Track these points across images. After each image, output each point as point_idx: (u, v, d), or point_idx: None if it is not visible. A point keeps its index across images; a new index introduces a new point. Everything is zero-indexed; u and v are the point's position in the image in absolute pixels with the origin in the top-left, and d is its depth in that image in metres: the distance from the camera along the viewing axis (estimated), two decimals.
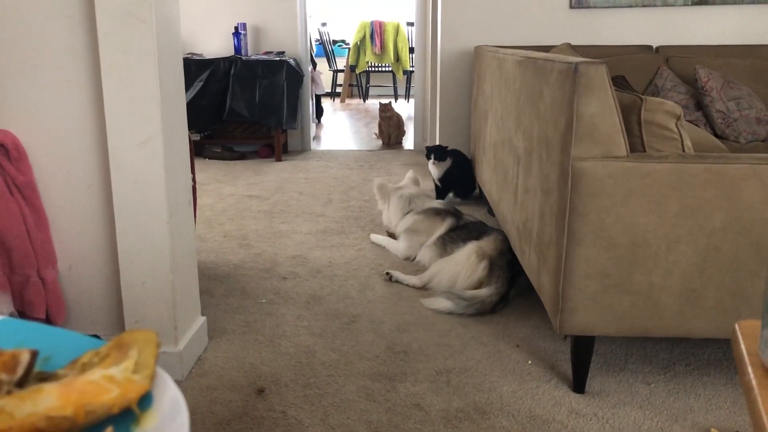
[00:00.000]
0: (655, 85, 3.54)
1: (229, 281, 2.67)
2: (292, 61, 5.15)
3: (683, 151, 1.80)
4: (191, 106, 4.69)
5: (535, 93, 2.07)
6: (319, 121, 7.31)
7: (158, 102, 1.76)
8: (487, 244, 2.55)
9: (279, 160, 5.17)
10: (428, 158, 3.86)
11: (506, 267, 2.49)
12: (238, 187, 4.31)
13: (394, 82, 9.37)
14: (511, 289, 2.43)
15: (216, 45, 5.38)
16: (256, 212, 3.69)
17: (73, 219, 1.90)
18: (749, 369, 0.68)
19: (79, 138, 1.84)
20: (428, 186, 3.90)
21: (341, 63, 9.46)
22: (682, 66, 3.64)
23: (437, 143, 4.28)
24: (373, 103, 8.89)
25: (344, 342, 2.15)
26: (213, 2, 5.32)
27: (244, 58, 5.03)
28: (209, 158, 5.21)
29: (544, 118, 1.93)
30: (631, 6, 4.03)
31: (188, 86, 4.86)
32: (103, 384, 0.56)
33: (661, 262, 1.69)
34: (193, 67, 4.93)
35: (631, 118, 1.80)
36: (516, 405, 1.78)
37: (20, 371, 0.58)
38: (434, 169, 3.86)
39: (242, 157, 5.28)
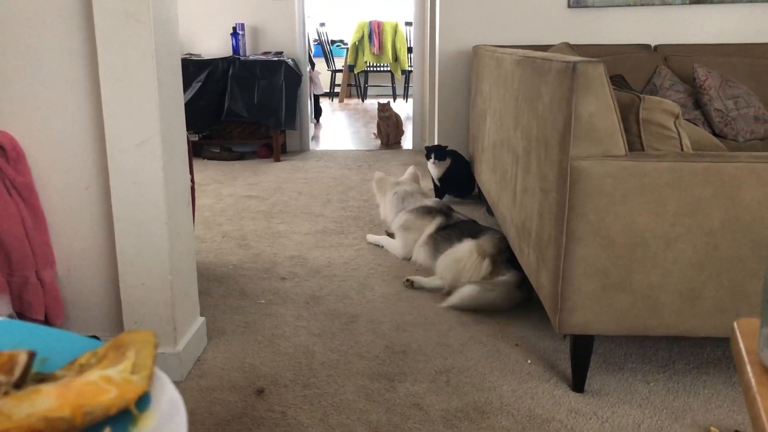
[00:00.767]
0: (653, 84, 3.54)
1: (228, 282, 2.67)
2: (290, 62, 5.15)
3: (682, 149, 1.80)
4: (189, 106, 4.69)
5: (534, 92, 2.07)
6: (318, 121, 7.31)
7: (156, 103, 1.76)
8: (486, 242, 2.55)
9: (278, 160, 5.17)
10: (428, 158, 3.86)
11: (507, 264, 2.49)
12: (236, 187, 4.31)
13: (393, 82, 9.37)
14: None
15: (214, 45, 5.38)
16: (255, 213, 3.69)
17: (71, 220, 1.90)
18: (748, 367, 0.68)
19: (77, 139, 1.84)
20: (427, 185, 3.89)
21: (339, 63, 9.46)
22: (680, 65, 3.64)
23: (436, 143, 4.28)
24: (372, 103, 8.90)
25: (343, 342, 2.15)
26: (211, 3, 5.31)
27: (242, 58, 5.03)
28: (208, 159, 5.21)
29: (542, 117, 1.93)
30: (629, 5, 4.03)
31: (186, 87, 4.86)
32: (101, 385, 0.56)
33: (660, 261, 1.69)
34: (192, 67, 4.92)
35: (629, 117, 1.80)
36: (515, 404, 1.78)
37: (18, 372, 0.57)
38: (434, 169, 3.86)
39: (241, 157, 5.28)
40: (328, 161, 5.18)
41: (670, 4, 4.02)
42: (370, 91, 9.76)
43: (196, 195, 2.63)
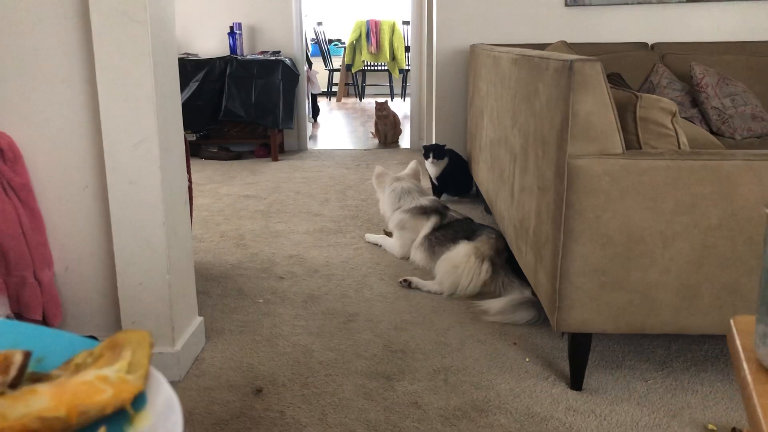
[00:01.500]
0: (650, 83, 3.54)
1: (226, 281, 2.67)
2: (287, 61, 5.15)
3: (679, 147, 1.80)
4: (187, 106, 4.70)
5: (531, 91, 2.07)
6: (316, 120, 7.31)
7: (153, 102, 1.76)
8: (483, 244, 2.54)
9: (275, 159, 5.17)
10: (426, 157, 3.86)
11: (506, 265, 2.49)
12: (234, 187, 4.30)
13: (390, 81, 9.37)
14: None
15: (211, 45, 5.37)
16: (253, 212, 3.68)
17: (69, 220, 1.90)
18: (745, 365, 0.68)
19: (74, 139, 1.84)
20: (425, 183, 3.89)
21: (337, 62, 9.46)
22: (677, 63, 3.64)
23: (434, 142, 4.28)
24: (369, 102, 8.90)
25: (342, 341, 2.15)
26: (208, 2, 5.31)
27: (239, 57, 5.02)
28: (205, 158, 5.21)
29: (539, 115, 1.93)
30: (626, 3, 4.03)
31: (184, 86, 4.85)
32: (97, 384, 0.56)
33: (657, 259, 1.69)
34: (189, 67, 4.92)
35: (626, 116, 1.80)
36: (514, 402, 1.78)
37: (13, 372, 0.57)
38: (432, 168, 3.86)
39: (238, 157, 5.28)
40: (325, 160, 5.18)
41: (667, 3, 4.02)
42: (368, 90, 9.76)
43: (193, 195, 2.63)
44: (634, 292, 1.72)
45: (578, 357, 1.84)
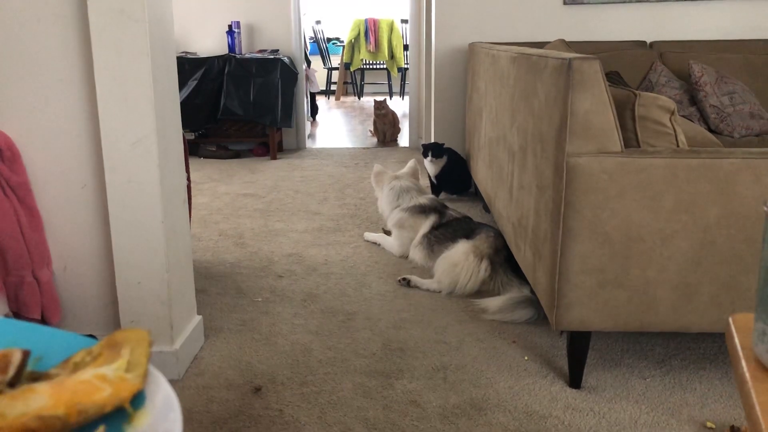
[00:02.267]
0: (649, 81, 3.54)
1: (225, 280, 2.67)
2: (286, 59, 5.14)
3: (677, 146, 1.80)
4: (185, 105, 4.69)
5: (530, 89, 2.07)
6: (314, 119, 7.30)
7: (152, 101, 1.76)
8: (482, 242, 2.54)
9: (274, 158, 5.17)
10: (425, 156, 3.85)
11: (505, 263, 2.49)
12: (233, 185, 4.30)
13: (389, 80, 9.36)
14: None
15: (210, 43, 5.36)
16: (252, 211, 3.68)
17: (67, 219, 1.90)
18: (743, 362, 0.68)
19: (72, 138, 1.84)
20: (424, 182, 3.89)
21: (336, 61, 9.46)
22: (675, 61, 3.64)
23: (432, 140, 4.28)
24: (368, 101, 8.89)
25: (340, 340, 2.15)
26: (207, 1, 5.30)
27: (238, 56, 5.02)
28: (204, 157, 5.20)
29: (538, 114, 1.93)
30: (624, 2, 4.03)
31: (182, 85, 4.85)
32: (96, 383, 0.56)
33: (656, 257, 1.69)
34: (187, 65, 4.91)
35: (625, 114, 1.80)
36: (512, 401, 1.78)
37: (12, 371, 0.57)
38: (431, 167, 3.86)
39: (237, 155, 5.27)
40: (324, 159, 5.18)
41: (665, 1, 4.02)
42: (367, 88, 9.76)
43: (192, 193, 2.63)
44: (632, 290, 1.72)
45: (577, 355, 1.84)
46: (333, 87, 9.63)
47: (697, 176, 1.64)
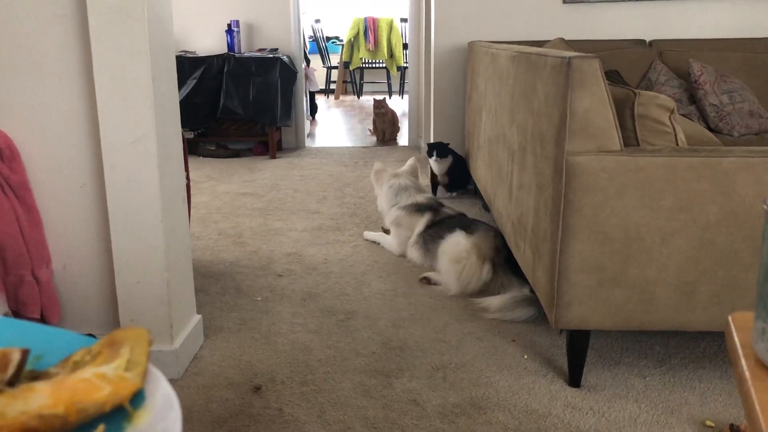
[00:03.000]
0: (648, 79, 3.54)
1: (225, 279, 2.66)
2: (285, 58, 5.14)
3: (677, 144, 1.80)
4: (185, 104, 4.69)
5: (529, 88, 2.07)
6: (314, 118, 7.30)
7: (151, 100, 1.75)
8: (482, 242, 2.54)
9: (273, 157, 5.16)
10: (430, 155, 3.86)
11: (506, 263, 2.49)
12: (232, 184, 4.30)
13: (388, 79, 9.36)
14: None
15: (209, 42, 5.36)
16: (251, 210, 3.68)
17: (67, 218, 1.89)
18: (742, 361, 0.68)
19: (72, 137, 1.84)
20: (425, 180, 3.89)
21: (335, 60, 9.45)
22: (675, 60, 3.64)
23: (432, 139, 4.28)
24: (367, 100, 8.88)
25: (340, 339, 2.15)
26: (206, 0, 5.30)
27: (237, 55, 5.02)
28: (203, 156, 5.20)
29: (537, 113, 1.93)
30: (624, 0, 4.03)
31: (181, 84, 4.84)
32: (95, 382, 0.56)
33: (655, 256, 1.69)
34: (187, 64, 4.91)
35: (624, 113, 1.80)
36: (512, 400, 1.78)
37: (11, 370, 0.57)
38: (437, 166, 3.87)
39: (236, 154, 5.27)
40: (324, 158, 5.17)
41: (664, 0, 4.02)
42: (366, 87, 9.75)
43: (191, 192, 2.63)
44: (632, 289, 1.72)
45: (576, 354, 1.84)
46: (332, 86, 9.63)
47: (696, 175, 1.64)
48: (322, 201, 3.86)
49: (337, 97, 9.58)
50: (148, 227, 1.84)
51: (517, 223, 2.22)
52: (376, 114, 5.91)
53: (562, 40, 3.49)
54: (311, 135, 6.40)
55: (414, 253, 2.81)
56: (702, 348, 2.06)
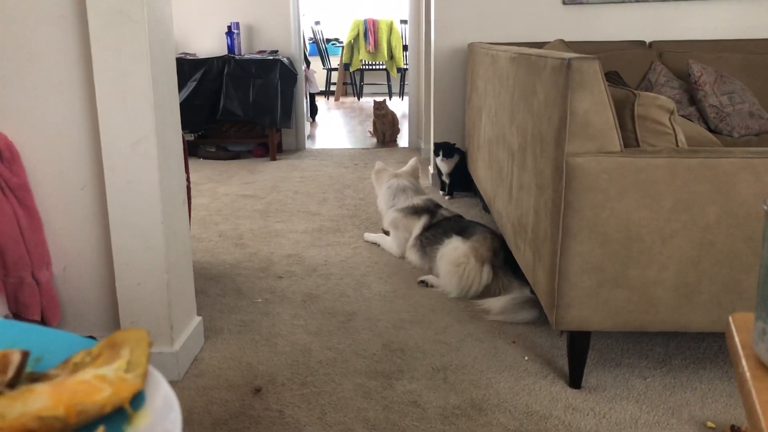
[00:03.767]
0: (648, 80, 3.54)
1: (225, 281, 2.66)
2: (285, 60, 5.14)
3: (677, 145, 1.80)
4: (185, 105, 4.68)
5: (529, 89, 2.07)
6: (314, 119, 7.30)
7: (151, 102, 1.76)
8: (480, 245, 2.53)
9: (273, 159, 5.17)
10: (436, 155, 3.93)
11: (505, 264, 2.49)
12: (232, 186, 4.30)
13: (388, 80, 9.36)
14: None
15: (209, 44, 5.36)
16: (251, 212, 3.68)
17: (67, 220, 1.89)
18: (743, 361, 0.68)
19: (72, 139, 1.84)
20: (425, 181, 3.90)
21: (335, 61, 9.46)
22: (675, 61, 3.64)
23: (432, 140, 4.28)
24: (368, 101, 8.89)
25: (340, 340, 2.15)
26: (206, 1, 5.30)
27: (237, 57, 5.02)
28: (203, 158, 5.20)
29: (537, 114, 1.93)
30: (623, 1, 4.03)
31: (182, 86, 4.85)
32: (95, 383, 0.56)
33: (655, 257, 1.69)
34: (187, 66, 4.91)
35: (624, 114, 1.80)
36: (513, 401, 1.78)
37: (11, 372, 0.57)
38: (443, 165, 3.90)
39: (237, 156, 5.27)
40: (324, 160, 5.18)
41: (664, 1, 4.02)
42: (366, 89, 9.76)
43: (191, 194, 2.63)
44: (632, 290, 1.72)
45: (577, 355, 1.84)
46: (332, 88, 9.63)
47: (696, 176, 1.64)
48: (322, 203, 3.86)
49: (337, 99, 9.59)
50: (148, 229, 1.84)
51: (517, 224, 2.22)
52: (376, 115, 5.91)
53: (561, 41, 3.50)
54: (311, 137, 6.40)
55: (412, 256, 2.81)
56: (703, 349, 2.06)
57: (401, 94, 9.43)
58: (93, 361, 0.61)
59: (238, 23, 5.21)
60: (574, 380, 1.85)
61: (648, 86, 3.51)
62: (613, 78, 2.08)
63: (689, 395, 1.80)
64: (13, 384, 0.57)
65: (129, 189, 1.81)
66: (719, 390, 1.83)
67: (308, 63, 6.62)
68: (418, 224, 2.84)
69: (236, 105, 4.96)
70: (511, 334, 2.17)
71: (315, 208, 3.75)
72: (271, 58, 5.04)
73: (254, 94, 4.98)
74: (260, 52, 5.30)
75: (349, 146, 5.88)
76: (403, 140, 6.03)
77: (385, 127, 5.93)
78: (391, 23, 8.84)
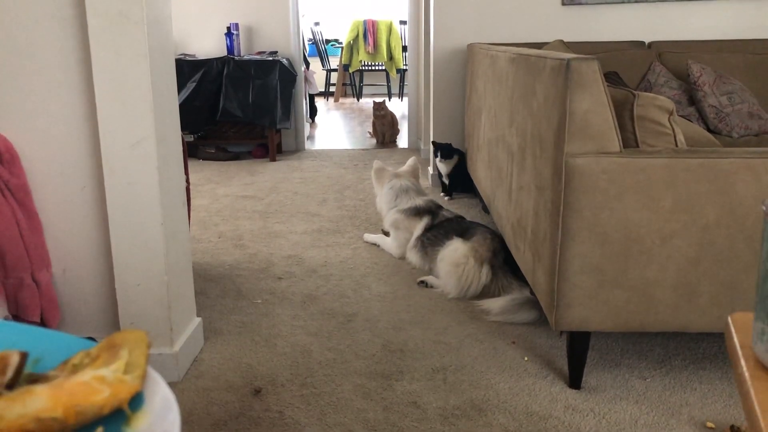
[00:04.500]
0: (647, 81, 3.54)
1: (225, 282, 2.66)
2: (285, 61, 5.14)
3: (676, 146, 1.80)
4: (184, 107, 4.68)
5: (528, 90, 2.07)
6: (313, 120, 7.30)
7: (151, 103, 1.76)
8: (480, 245, 2.53)
9: (273, 160, 5.17)
10: (435, 155, 3.95)
11: (504, 265, 2.49)
12: (232, 187, 4.30)
13: (388, 81, 9.37)
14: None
15: (208, 45, 5.37)
16: (251, 212, 3.68)
17: (66, 221, 1.89)
18: (742, 361, 0.68)
19: (71, 140, 1.84)
20: (426, 182, 3.89)
21: (334, 62, 9.46)
22: (674, 61, 3.64)
23: (431, 141, 4.28)
24: (367, 102, 8.89)
25: (340, 341, 2.15)
26: (205, 2, 5.30)
27: (236, 58, 5.02)
28: (203, 159, 5.20)
29: (537, 114, 1.93)
30: (623, 2, 4.03)
31: (181, 87, 4.85)
32: (94, 385, 0.56)
33: (655, 257, 1.69)
34: (186, 67, 4.91)
35: (623, 114, 1.80)
36: (512, 401, 1.78)
37: (10, 373, 0.57)
38: (442, 166, 3.91)
39: (236, 157, 5.27)
40: (323, 160, 5.18)
41: (663, 1, 4.02)
42: (365, 90, 9.76)
43: (191, 195, 2.63)
44: (632, 291, 1.72)
45: (577, 355, 1.84)
46: (332, 88, 9.63)
47: (696, 176, 1.64)
48: (321, 203, 3.86)
49: (336, 100, 9.59)
50: (148, 230, 1.84)
51: (517, 225, 2.22)
52: (375, 116, 5.91)
53: (561, 41, 3.50)
54: (311, 137, 6.40)
55: (413, 256, 2.81)
56: (702, 349, 2.06)
57: (401, 94, 9.43)
58: (92, 362, 0.61)
59: (237, 24, 5.22)
60: (574, 381, 1.85)
61: (647, 86, 3.51)
62: (612, 78, 2.08)
63: (689, 395, 1.80)
64: (11, 385, 0.57)
65: (129, 190, 1.81)
66: (719, 390, 1.83)
67: (308, 64, 6.62)
68: (420, 225, 2.84)
69: (236, 106, 4.96)
70: (511, 335, 2.17)
71: (314, 208, 3.75)
72: (271, 59, 5.05)
73: (254, 95, 4.98)
74: (260, 53, 5.30)
75: (348, 147, 5.88)
76: (402, 141, 6.03)
77: (384, 127, 5.93)
78: (391, 24, 8.85)
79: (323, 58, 9.04)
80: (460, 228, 2.70)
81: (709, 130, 3.27)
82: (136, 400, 0.58)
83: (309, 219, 3.54)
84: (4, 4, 1.75)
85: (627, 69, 3.46)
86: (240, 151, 5.39)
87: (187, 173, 2.21)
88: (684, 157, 1.65)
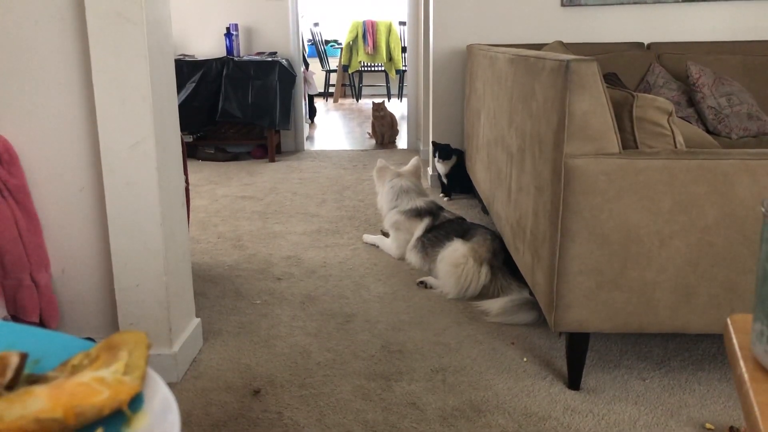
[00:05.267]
0: (646, 82, 3.55)
1: (224, 282, 2.66)
2: (284, 62, 5.14)
3: (675, 147, 1.80)
4: (183, 107, 4.68)
5: (527, 91, 2.07)
6: (312, 121, 7.30)
7: (150, 104, 1.76)
8: (479, 246, 2.54)
9: (272, 160, 5.16)
10: (434, 156, 3.97)
11: (504, 266, 2.49)
12: (231, 188, 4.30)
13: (387, 82, 9.37)
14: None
15: (208, 46, 5.37)
16: (250, 213, 3.68)
17: (65, 222, 1.89)
18: (741, 363, 0.68)
19: (70, 140, 1.84)
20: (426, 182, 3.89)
21: (334, 63, 9.46)
22: (673, 62, 3.64)
23: (431, 141, 4.28)
24: (366, 103, 8.89)
25: (339, 342, 2.15)
26: (205, 3, 5.30)
27: (236, 58, 5.02)
28: (202, 160, 5.20)
29: (536, 115, 1.94)
30: (622, 3, 4.04)
31: (180, 87, 4.85)
32: (94, 386, 0.56)
33: (654, 258, 1.69)
34: (185, 68, 4.91)
35: (623, 115, 1.80)
36: (512, 402, 1.78)
37: (9, 374, 0.57)
38: (441, 167, 3.92)
39: (235, 158, 5.27)
40: (323, 161, 5.18)
41: (662, 2, 4.03)
42: (365, 90, 9.76)
43: (190, 196, 2.63)
44: (631, 292, 1.72)
45: (576, 356, 1.84)
46: (331, 89, 9.63)
47: (694, 177, 1.64)
48: (321, 204, 3.86)
49: (336, 101, 9.59)
50: (147, 231, 1.84)
51: (516, 226, 2.22)
52: (375, 117, 5.91)
53: (560, 43, 3.50)
54: (310, 138, 6.40)
55: (413, 257, 2.81)
56: (701, 350, 2.06)
57: (400, 95, 9.43)
58: (91, 363, 0.61)
59: (236, 25, 5.21)
60: (573, 381, 1.85)
61: (646, 88, 3.51)
62: (611, 79, 2.08)
63: (688, 396, 1.81)
64: (11, 386, 0.57)
65: (128, 191, 1.81)
66: (718, 391, 1.83)
67: (307, 64, 6.62)
68: (421, 226, 2.84)
69: (235, 106, 4.96)
70: (510, 336, 2.17)
71: (314, 209, 3.75)
72: (270, 59, 5.05)
73: (253, 95, 4.98)
74: (259, 53, 5.30)
75: (347, 148, 5.88)
76: (402, 142, 6.03)
77: (383, 128, 5.93)
78: (390, 25, 8.85)
79: (322, 58, 9.04)
80: (461, 229, 2.70)
81: (708, 131, 3.27)
82: (135, 401, 0.58)
83: (308, 220, 3.54)
84: (4, 4, 1.75)
85: (626, 70, 3.46)
86: (239, 152, 5.39)
87: (186, 174, 2.21)
88: (683, 159, 1.65)
